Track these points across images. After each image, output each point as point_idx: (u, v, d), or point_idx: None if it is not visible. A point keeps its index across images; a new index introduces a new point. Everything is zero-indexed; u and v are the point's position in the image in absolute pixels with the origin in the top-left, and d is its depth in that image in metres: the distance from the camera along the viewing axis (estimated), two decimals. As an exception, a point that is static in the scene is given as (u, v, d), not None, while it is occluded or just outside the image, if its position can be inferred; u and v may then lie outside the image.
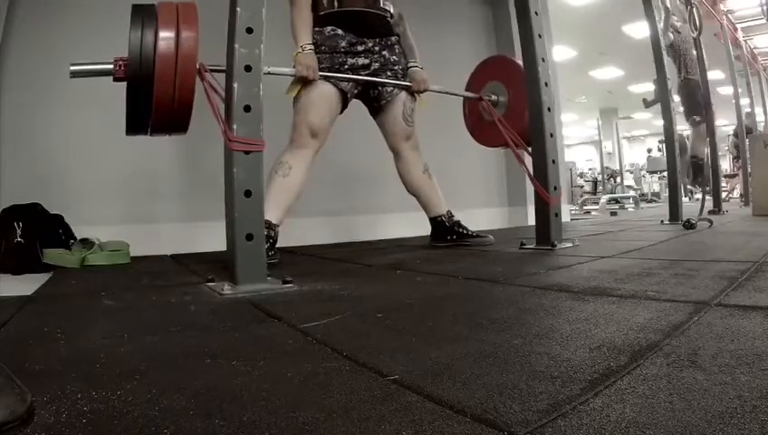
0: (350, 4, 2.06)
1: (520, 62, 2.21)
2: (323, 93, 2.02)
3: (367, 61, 2.12)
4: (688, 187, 7.17)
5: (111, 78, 1.47)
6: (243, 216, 1.30)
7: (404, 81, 2.21)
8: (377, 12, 2.12)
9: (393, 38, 2.22)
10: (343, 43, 2.06)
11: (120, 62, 1.47)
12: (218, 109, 1.42)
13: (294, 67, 1.94)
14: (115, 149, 2.33)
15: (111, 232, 2.23)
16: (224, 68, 1.44)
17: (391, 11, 2.20)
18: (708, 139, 4.44)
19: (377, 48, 2.15)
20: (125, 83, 1.44)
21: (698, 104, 4.51)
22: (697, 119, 4.86)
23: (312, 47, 1.98)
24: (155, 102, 1.42)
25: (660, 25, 3.64)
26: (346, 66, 2.07)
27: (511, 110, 2.36)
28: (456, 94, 2.53)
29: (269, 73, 1.68)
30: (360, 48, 2.10)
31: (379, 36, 2.15)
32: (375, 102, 2.25)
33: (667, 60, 3.53)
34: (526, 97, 2.12)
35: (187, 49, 1.40)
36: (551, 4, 4.34)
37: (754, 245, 1.84)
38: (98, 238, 2.10)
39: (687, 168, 5.27)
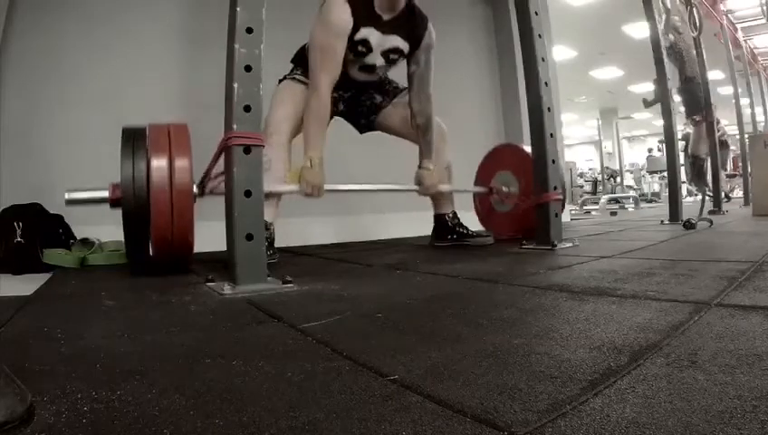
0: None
1: (528, 149, 2.17)
2: (297, 96, 1.96)
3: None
4: (688, 187, 7.16)
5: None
6: (243, 216, 1.30)
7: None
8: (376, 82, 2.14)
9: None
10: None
11: (116, 191, 1.48)
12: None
13: (299, 184, 1.87)
14: (115, 149, 2.33)
15: (111, 232, 2.23)
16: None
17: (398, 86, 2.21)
18: (708, 139, 4.45)
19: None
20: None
21: (699, 104, 4.51)
22: (697, 118, 4.86)
23: (321, 162, 1.86)
24: (153, 238, 1.43)
25: (661, 26, 3.63)
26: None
27: (523, 197, 2.33)
28: (467, 191, 2.54)
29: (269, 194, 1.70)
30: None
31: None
32: (364, 118, 2.21)
33: (667, 60, 3.53)
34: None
35: (181, 180, 1.40)
36: (551, 4, 4.33)
37: (754, 245, 1.84)
38: (98, 238, 2.11)
39: (686, 167, 5.28)
